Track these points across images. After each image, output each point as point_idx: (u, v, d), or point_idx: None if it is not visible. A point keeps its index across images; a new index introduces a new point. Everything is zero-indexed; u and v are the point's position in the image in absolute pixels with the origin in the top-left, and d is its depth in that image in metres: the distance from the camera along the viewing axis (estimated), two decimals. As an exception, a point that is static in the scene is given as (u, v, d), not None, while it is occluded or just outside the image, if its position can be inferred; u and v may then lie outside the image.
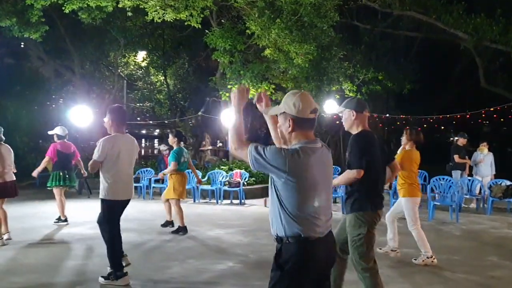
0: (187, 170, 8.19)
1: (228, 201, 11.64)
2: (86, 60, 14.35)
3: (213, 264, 5.81)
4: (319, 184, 2.54)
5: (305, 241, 2.48)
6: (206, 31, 11.96)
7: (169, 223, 8.06)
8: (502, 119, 17.47)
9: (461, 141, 11.48)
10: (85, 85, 13.94)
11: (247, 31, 11.35)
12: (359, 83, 14.79)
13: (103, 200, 4.95)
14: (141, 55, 17.95)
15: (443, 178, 10.44)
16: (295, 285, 2.51)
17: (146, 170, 12.95)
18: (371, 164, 3.82)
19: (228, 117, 12.83)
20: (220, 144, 20.97)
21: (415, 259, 6.04)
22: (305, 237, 2.47)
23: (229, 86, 12.07)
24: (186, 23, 11.26)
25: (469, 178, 11.26)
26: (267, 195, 10.91)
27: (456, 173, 11.31)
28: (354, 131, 4.00)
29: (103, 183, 4.92)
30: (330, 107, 14.65)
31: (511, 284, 5.25)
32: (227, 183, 11.65)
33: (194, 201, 11.66)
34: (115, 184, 4.91)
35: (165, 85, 18.37)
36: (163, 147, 13.18)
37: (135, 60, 18.13)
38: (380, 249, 6.38)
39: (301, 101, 2.51)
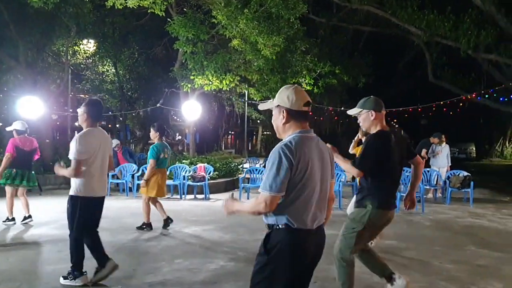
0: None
1: (192, 196, 11.32)
2: (33, 48, 13.33)
3: (204, 263, 5.56)
4: (315, 174, 2.57)
5: (295, 231, 2.54)
6: (168, 19, 11.48)
7: (167, 221, 7.52)
8: (451, 113, 18.31)
9: (434, 140, 11.83)
10: (30, 74, 12.96)
11: (214, 20, 11.02)
12: (316, 76, 14.91)
13: (75, 198, 4.55)
14: (92, 44, 17.00)
15: (405, 170, 10.74)
16: (280, 271, 2.57)
17: (128, 166, 12.28)
18: (382, 165, 3.83)
19: (189, 109, 12.52)
20: (179, 137, 20.46)
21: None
22: (295, 227, 2.53)
23: (191, 77, 11.70)
24: (149, 11, 10.73)
25: (427, 169, 11.66)
26: (231, 189, 10.89)
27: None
28: (374, 130, 3.95)
29: (76, 179, 4.53)
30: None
31: (498, 271, 5.42)
32: (190, 177, 11.32)
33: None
34: (91, 180, 4.56)
35: (113, 76, 17.59)
36: (115, 142, 12.47)
37: (85, 49, 17.14)
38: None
39: (295, 94, 2.62)
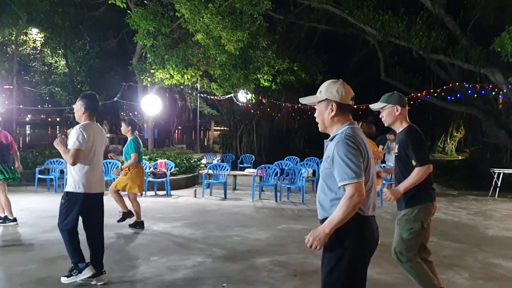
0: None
1: (153, 193, 11.11)
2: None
3: (181, 260, 5.50)
4: (372, 163, 2.69)
5: (365, 218, 2.61)
6: (128, 12, 11.16)
7: (128, 215, 7.24)
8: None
9: (390, 136, 12.19)
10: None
11: (177, 13, 10.82)
12: (274, 72, 15.01)
13: (73, 194, 4.42)
14: (43, 34, 16.20)
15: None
16: (357, 260, 2.61)
17: (56, 161, 11.82)
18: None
19: (149, 104, 12.25)
20: (136, 133, 19.84)
21: None
22: (365, 214, 2.60)
23: (152, 71, 11.45)
24: (109, 1, 10.38)
25: (383, 164, 12.07)
26: (191, 185, 10.85)
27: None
28: (398, 126, 4.00)
29: (74, 175, 4.44)
30: (244, 95, 14.74)
31: (462, 261, 5.73)
32: (151, 174, 11.10)
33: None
34: (90, 176, 4.48)
35: (63, 68, 16.90)
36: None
37: (36, 39, 16.31)
38: None
39: (344, 88, 2.70)
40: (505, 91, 14.97)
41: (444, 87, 16.45)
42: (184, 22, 10.75)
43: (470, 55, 15.27)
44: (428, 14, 15.29)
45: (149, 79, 11.60)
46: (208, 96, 14.55)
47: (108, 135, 18.40)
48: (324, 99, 2.71)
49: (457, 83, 16.60)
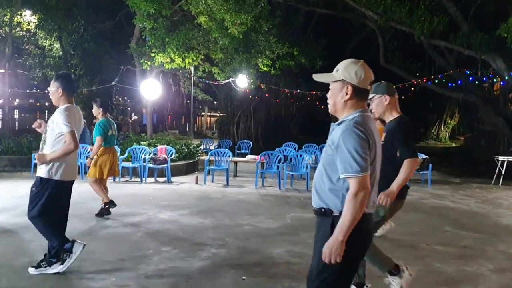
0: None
1: (153, 179, 10.86)
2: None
3: (194, 251, 5.29)
4: (379, 155, 2.50)
5: (364, 215, 2.38)
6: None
7: (108, 204, 6.91)
8: (403, 96, 18.86)
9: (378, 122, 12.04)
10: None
11: (178, -5, 10.46)
12: (273, 57, 14.70)
13: (46, 180, 4.14)
14: (37, 16, 15.68)
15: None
16: (352, 258, 2.41)
17: None
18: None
19: (148, 88, 11.89)
20: (135, 117, 19.57)
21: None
22: (366, 212, 2.39)
23: (152, 54, 11.08)
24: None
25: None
26: (191, 172, 10.61)
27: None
28: (389, 116, 3.86)
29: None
30: (243, 81, 14.44)
31: (483, 252, 5.59)
32: (151, 160, 10.83)
33: (114, 179, 10.58)
34: (66, 162, 4.20)
35: (57, 51, 16.40)
36: None
37: (30, 21, 15.79)
38: None
39: (364, 70, 2.46)
40: (506, 78, 14.86)
41: (445, 73, 16.28)
42: (186, 4, 10.38)
43: (471, 41, 15.09)
44: (431, -1, 15.06)
45: (148, 63, 11.24)
46: (207, 81, 14.20)
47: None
48: (340, 79, 2.47)
49: (458, 70, 16.43)
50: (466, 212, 8.18)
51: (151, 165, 10.73)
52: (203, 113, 42.44)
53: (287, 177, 10.40)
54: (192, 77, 17.19)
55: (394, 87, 4.03)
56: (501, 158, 11.80)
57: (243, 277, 4.46)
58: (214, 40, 11.46)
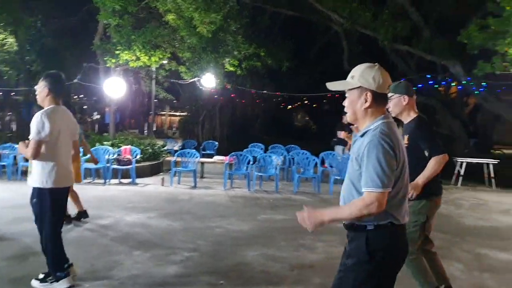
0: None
1: (117, 181, 10.54)
2: None
3: (167, 255, 5.15)
4: (405, 161, 2.39)
5: (399, 228, 2.34)
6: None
7: (81, 215, 6.59)
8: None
9: (345, 119, 12.18)
10: None
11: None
12: (240, 58, 14.62)
13: (41, 189, 3.92)
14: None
15: (305, 153, 11.14)
16: (389, 275, 2.35)
17: (10, 146, 10.98)
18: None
19: (112, 86, 11.53)
20: (98, 116, 18.97)
21: None
22: (399, 223, 2.32)
23: (117, 52, 10.77)
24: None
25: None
26: (156, 173, 10.41)
27: (338, 148, 12.04)
28: (406, 117, 3.82)
29: (40, 169, 3.91)
30: (209, 80, 14.28)
31: (451, 252, 5.73)
32: (115, 161, 10.53)
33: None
34: (58, 168, 3.96)
35: (10, 46, 15.66)
36: None
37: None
38: None
39: (381, 75, 2.35)
40: (464, 82, 15.38)
41: (407, 77, 16.68)
42: (153, 1, 10.14)
43: (432, 46, 15.55)
44: (394, 4, 15.39)
45: (113, 61, 10.91)
46: (172, 80, 13.95)
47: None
48: (358, 86, 2.35)
49: (419, 74, 16.88)
50: (431, 213, 8.37)
51: (115, 166, 10.43)
52: (163, 112, 41.79)
53: (256, 178, 10.34)
54: (154, 76, 16.89)
55: (413, 88, 4.02)
56: (459, 159, 12.20)
57: (221, 282, 4.37)
58: (181, 39, 11.26)
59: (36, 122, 3.82)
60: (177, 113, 39.10)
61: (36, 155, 3.83)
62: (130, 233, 6.07)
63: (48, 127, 3.82)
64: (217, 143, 15.75)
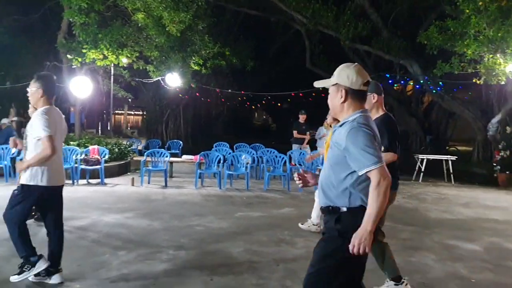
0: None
1: (85, 181, 10.35)
2: None
3: (152, 253, 5.18)
4: None
5: (362, 210, 2.52)
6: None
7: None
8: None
9: (301, 117, 12.46)
10: None
11: (114, -11, 10.03)
12: (207, 57, 14.60)
13: (30, 187, 3.92)
14: None
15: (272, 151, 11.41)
16: (356, 255, 2.51)
17: (5, 148, 10.50)
18: (398, 146, 4.00)
19: (78, 86, 11.29)
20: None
21: (301, 224, 6.48)
22: (365, 207, 2.49)
23: (83, 50, 10.56)
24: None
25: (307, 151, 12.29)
26: (124, 173, 10.39)
27: (295, 147, 12.32)
28: (374, 113, 4.03)
29: (35, 167, 3.92)
30: (174, 79, 14.24)
31: (422, 243, 6.07)
32: (83, 161, 10.34)
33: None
34: (50, 167, 3.97)
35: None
36: (4, 120, 10.99)
37: None
38: (302, 224, 6.60)
39: (356, 73, 2.59)
40: (421, 81, 16.10)
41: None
42: (122, 0, 10.00)
43: (391, 46, 16.16)
44: (355, 5, 15.86)
45: (79, 59, 10.68)
46: (137, 79, 13.77)
47: (15, 118, 16.72)
48: (335, 83, 2.63)
49: (379, 73, 17.45)
50: (398, 207, 8.74)
51: (83, 166, 10.24)
52: (122, 111, 40.96)
53: (227, 177, 10.43)
54: (112, 74, 16.52)
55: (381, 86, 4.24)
56: (421, 156, 12.77)
57: (211, 278, 4.46)
58: (149, 38, 11.15)
59: (39, 120, 3.84)
60: (136, 112, 38.48)
61: (54, 150, 3.85)
62: (111, 233, 6.04)
63: (50, 123, 3.86)
64: (181, 142, 15.71)
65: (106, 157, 10.80)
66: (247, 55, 16.11)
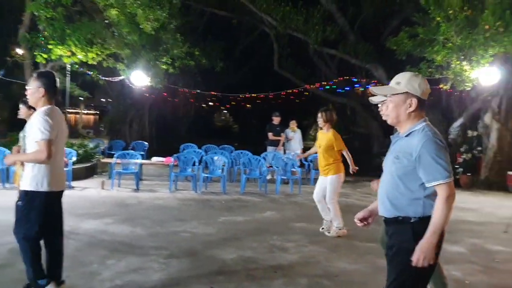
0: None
1: (51, 184, 9.81)
2: None
3: (143, 262, 4.95)
4: None
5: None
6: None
7: None
8: (297, 100, 19.70)
9: (275, 119, 12.44)
10: None
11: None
12: (181, 56, 14.23)
13: (33, 192, 3.64)
14: None
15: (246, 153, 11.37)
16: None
17: None
18: None
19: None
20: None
21: (328, 232, 6.43)
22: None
23: (50, 46, 10.02)
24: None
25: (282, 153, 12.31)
26: (90, 176, 10.00)
27: (270, 149, 12.29)
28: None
29: (35, 170, 3.64)
30: (140, 78, 13.83)
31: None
32: (49, 163, 9.79)
33: (4, 185, 9.37)
34: (55, 170, 3.73)
35: None
36: None
37: None
38: (323, 228, 6.54)
39: (425, 83, 2.62)
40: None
41: (335, 80, 17.45)
42: (92, -6, 9.58)
43: (357, 50, 16.40)
44: (324, 9, 16.00)
45: (44, 56, 10.12)
46: (103, 78, 13.23)
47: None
48: (404, 92, 2.58)
49: (346, 77, 17.68)
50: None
51: (49, 169, 9.70)
52: (77, 110, 39.53)
53: (202, 180, 10.20)
54: (68, 72, 15.83)
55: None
56: (389, 158, 13.00)
57: (211, 286, 4.30)
58: (120, 35, 10.72)
59: (40, 121, 3.57)
60: (89, 112, 37.22)
61: (50, 155, 3.56)
62: (94, 241, 5.73)
63: (52, 126, 3.58)
64: (147, 143, 15.28)
65: (74, 159, 10.31)
66: (216, 56, 15.88)
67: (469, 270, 5.24)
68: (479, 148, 13.53)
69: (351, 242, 6.22)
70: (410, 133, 2.56)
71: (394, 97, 2.62)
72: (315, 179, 11.89)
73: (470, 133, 14.19)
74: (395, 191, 2.57)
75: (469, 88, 11.49)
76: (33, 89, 3.73)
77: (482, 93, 12.09)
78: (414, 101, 2.57)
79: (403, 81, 2.59)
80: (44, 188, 3.64)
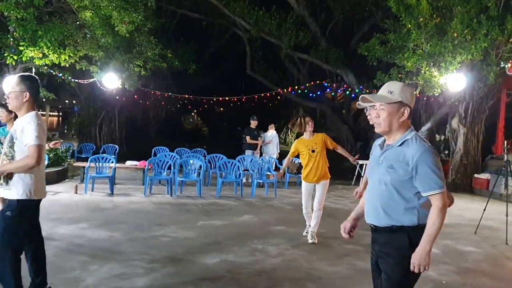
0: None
1: (21, 189, 9.55)
2: None
3: (127, 267, 4.91)
4: None
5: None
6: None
7: None
8: (270, 104, 19.80)
9: (253, 123, 12.51)
10: None
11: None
12: (154, 58, 14.08)
13: (24, 202, 3.51)
14: None
15: (221, 157, 11.44)
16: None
17: None
18: None
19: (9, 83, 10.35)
20: None
21: (312, 238, 6.43)
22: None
23: (21, 48, 9.76)
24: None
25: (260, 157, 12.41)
26: (62, 180, 9.84)
27: (248, 153, 12.35)
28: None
29: (26, 178, 3.50)
30: (112, 81, 13.64)
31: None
32: (19, 167, 9.53)
33: None
34: (41, 178, 3.65)
35: None
36: None
37: None
38: (306, 233, 6.59)
39: (413, 93, 2.74)
40: (357, 90, 16.77)
41: (307, 84, 17.66)
42: (66, -5, 9.37)
43: (328, 56, 16.69)
44: (297, 14, 16.21)
45: (15, 57, 9.84)
46: (74, 80, 12.93)
47: None
48: (398, 101, 2.61)
49: (317, 82, 17.92)
50: (349, 211, 8.97)
51: (19, 173, 9.44)
52: (43, 112, 38.49)
53: (177, 183, 10.13)
54: (34, 72, 15.42)
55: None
56: (360, 161, 13.26)
57: (199, 292, 4.31)
58: (93, 37, 10.54)
59: (30, 127, 3.44)
60: (51, 113, 36.16)
61: (39, 161, 3.46)
62: (72, 247, 5.62)
63: (42, 132, 3.49)
64: (117, 146, 15.06)
65: (46, 162, 10.03)
66: (189, 58, 15.81)
67: (444, 270, 5.42)
68: (446, 152, 13.99)
69: (329, 244, 6.32)
70: (403, 142, 2.60)
71: (387, 106, 2.63)
72: (290, 183, 12.14)
73: (437, 137, 14.65)
74: (389, 200, 2.61)
75: (437, 94, 11.87)
76: (17, 93, 3.56)
77: (449, 99, 12.49)
78: (407, 111, 2.62)
79: (396, 90, 2.62)
80: (35, 196, 3.55)
